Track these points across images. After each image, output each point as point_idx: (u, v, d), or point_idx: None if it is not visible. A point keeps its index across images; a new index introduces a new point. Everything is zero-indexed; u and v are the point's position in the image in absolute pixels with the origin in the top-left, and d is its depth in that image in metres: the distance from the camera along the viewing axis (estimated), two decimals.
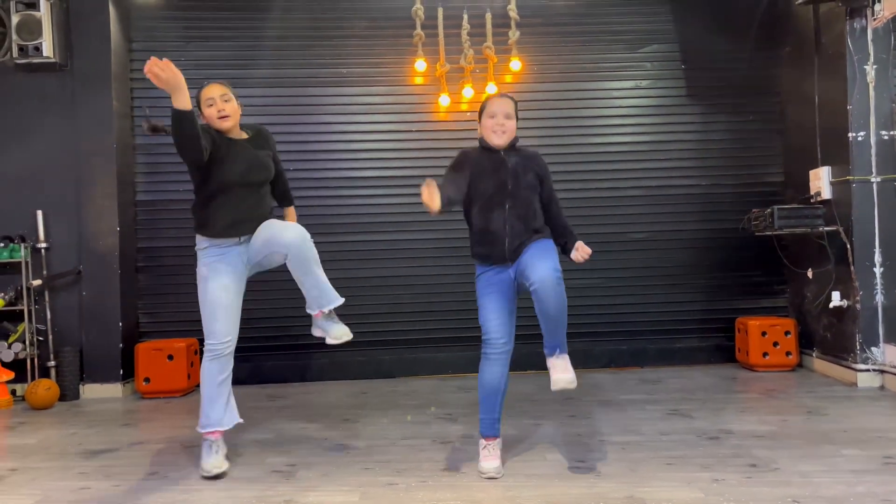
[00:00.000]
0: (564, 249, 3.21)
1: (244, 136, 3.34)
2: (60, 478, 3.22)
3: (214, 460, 3.16)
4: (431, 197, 2.86)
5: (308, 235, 3.20)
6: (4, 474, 3.30)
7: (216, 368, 3.24)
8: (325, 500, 2.82)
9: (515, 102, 3.22)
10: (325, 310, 3.30)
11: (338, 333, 3.32)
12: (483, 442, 3.13)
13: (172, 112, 2.86)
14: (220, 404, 3.25)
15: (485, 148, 3.19)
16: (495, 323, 3.09)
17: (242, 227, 3.25)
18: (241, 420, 3.35)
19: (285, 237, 3.17)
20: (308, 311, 3.37)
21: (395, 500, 2.80)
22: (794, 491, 2.73)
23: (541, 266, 2.91)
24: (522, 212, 3.10)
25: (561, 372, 2.98)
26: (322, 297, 3.28)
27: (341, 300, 3.33)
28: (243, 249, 3.30)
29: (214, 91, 3.22)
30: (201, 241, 3.29)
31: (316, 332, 3.42)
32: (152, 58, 2.75)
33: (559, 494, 2.79)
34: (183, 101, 2.83)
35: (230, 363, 3.29)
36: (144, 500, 2.88)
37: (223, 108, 3.20)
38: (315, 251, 3.24)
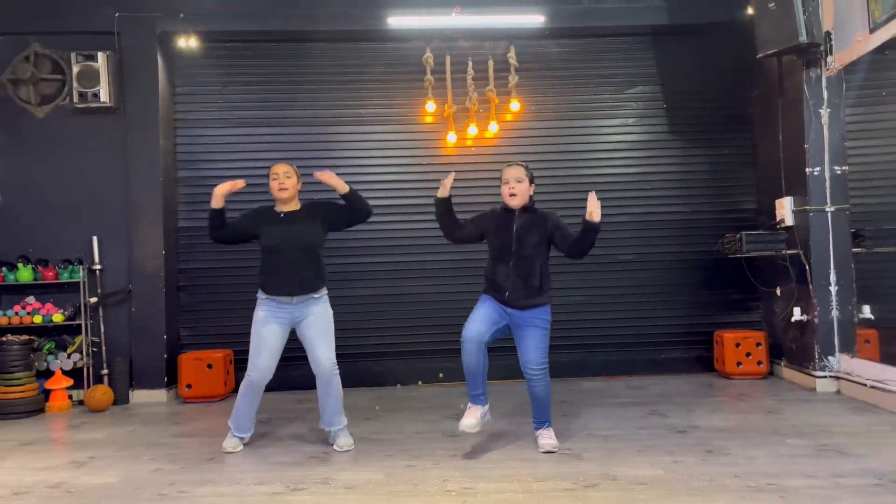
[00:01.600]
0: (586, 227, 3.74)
1: (296, 207, 4.10)
2: (134, 462, 3.86)
3: (234, 442, 4.06)
4: (446, 186, 3.86)
5: (333, 372, 3.98)
6: (86, 461, 3.94)
7: (250, 393, 4.03)
8: (357, 478, 3.45)
9: (527, 168, 3.86)
10: (331, 430, 4.07)
11: (342, 444, 4.02)
12: (469, 404, 3.83)
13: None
14: (249, 418, 4.09)
15: (504, 208, 3.88)
16: (473, 317, 3.77)
17: (289, 286, 3.93)
18: (253, 431, 4.18)
19: (319, 358, 3.96)
20: (320, 424, 4.14)
21: (413, 477, 3.43)
22: (738, 469, 3.36)
23: (532, 356, 3.73)
24: (523, 271, 3.75)
25: (547, 439, 3.84)
26: (331, 418, 4.06)
27: (344, 422, 4.10)
28: (295, 310, 3.99)
29: (280, 169, 4.05)
30: (261, 294, 4.05)
31: (329, 440, 4.14)
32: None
33: (548, 472, 3.42)
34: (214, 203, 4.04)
35: (260, 393, 4.07)
36: (209, 478, 3.52)
37: (284, 182, 4.01)
38: (337, 385, 4.01)
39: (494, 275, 3.81)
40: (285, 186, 4.01)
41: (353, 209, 4.09)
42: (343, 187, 4.02)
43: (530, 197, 3.86)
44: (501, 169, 3.91)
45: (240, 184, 4.08)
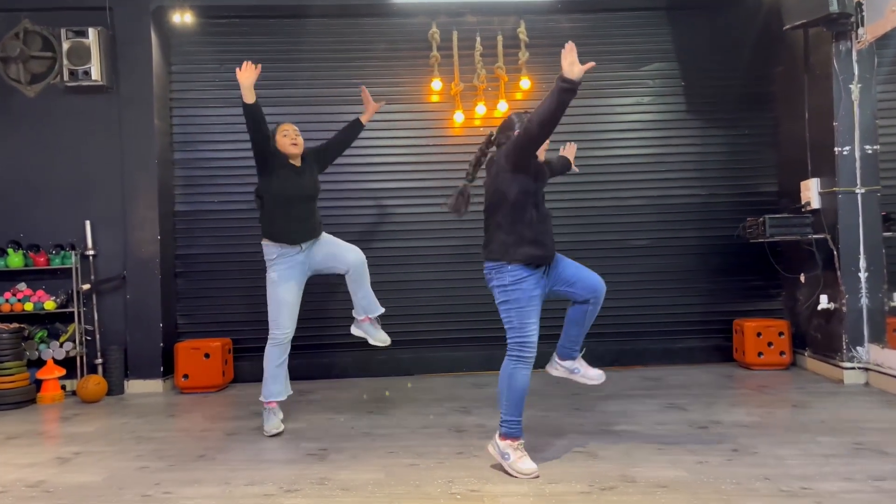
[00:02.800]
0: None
1: (299, 162, 4.25)
2: (121, 459, 3.65)
3: (274, 423, 4.06)
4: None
5: (365, 259, 4.24)
6: (70, 457, 3.73)
7: (277, 353, 4.11)
8: (355, 478, 3.22)
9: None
10: (371, 316, 4.29)
11: (380, 338, 4.31)
12: (512, 443, 3.20)
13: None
14: (279, 381, 4.12)
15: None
16: (536, 328, 3.23)
17: (300, 234, 4.11)
18: (291, 392, 4.25)
19: (349, 258, 4.20)
20: (355, 315, 4.33)
21: (416, 477, 3.20)
22: (768, 471, 3.10)
23: (595, 280, 3.44)
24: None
25: (591, 368, 3.59)
26: (370, 306, 4.28)
27: (382, 309, 4.32)
28: (304, 257, 4.14)
29: (290, 128, 4.23)
30: (270, 252, 4.12)
31: (356, 332, 4.38)
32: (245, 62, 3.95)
33: (561, 473, 3.18)
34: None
35: (287, 349, 4.15)
36: (197, 477, 3.30)
37: (295, 139, 4.19)
38: (367, 271, 4.26)
39: (545, 221, 3.32)
40: (296, 142, 4.18)
41: (351, 136, 4.50)
42: (369, 116, 4.50)
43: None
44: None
45: (258, 67, 4.04)
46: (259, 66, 4.00)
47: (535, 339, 3.23)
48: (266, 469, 3.39)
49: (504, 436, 3.23)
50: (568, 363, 3.61)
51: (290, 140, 4.17)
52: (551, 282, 3.37)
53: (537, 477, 3.12)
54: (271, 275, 4.11)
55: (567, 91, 2.99)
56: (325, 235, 4.27)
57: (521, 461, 3.17)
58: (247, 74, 3.93)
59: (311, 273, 4.24)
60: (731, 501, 2.76)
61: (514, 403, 3.23)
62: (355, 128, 4.53)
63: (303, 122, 5.84)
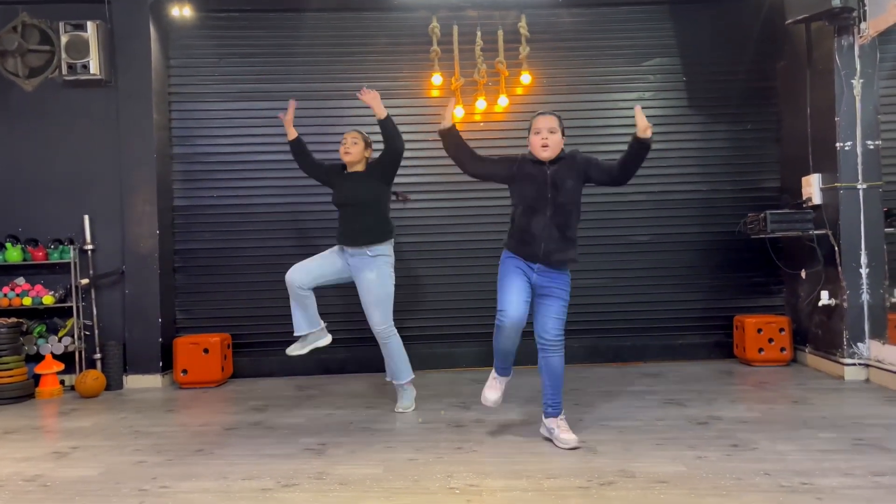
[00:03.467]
0: (639, 144, 3.43)
1: (361, 168, 4.42)
2: (118, 454, 3.63)
3: (295, 348, 4.43)
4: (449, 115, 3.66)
5: (390, 334, 4.35)
6: (68, 451, 3.72)
7: (293, 294, 4.33)
8: (353, 472, 3.20)
9: (559, 118, 3.51)
10: (395, 382, 4.41)
11: (403, 406, 4.40)
12: (494, 374, 3.70)
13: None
14: (298, 317, 4.35)
15: (533, 160, 3.52)
16: (513, 299, 3.46)
17: (344, 238, 4.35)
18: (323, 324, 4.45)
19: (372, 324, 4.34)
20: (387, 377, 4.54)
21: (414, 472, 3.18)
22: (768, 466, 3.08)
23: (551, 326, 3.48)
24: (561, 221, 3.46)
25: (567, 432, 3.49)
26: (391, 371, 4.42)
27: (411, 376, 4.42)
28: (350, 258, 4.33)
29: (347, 137, 4.40)
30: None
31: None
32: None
33: (560, 469, 3.16)
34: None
35: (304, 291, 4.31)
36: (194, 472, 3.28)
37: (350, 149, 4.36)
38: (397, 346, 4.37)
39: (529, 225, 3.46)
40: (350, 151, 4.35)
41: (385, 137, 4.32)
42: (380, 112, 4.27)
43: (562, 149, 3.52)
44: (531, 119, 3.56)
45: (292, 104, 4.58)
46: (294, 102, 4.58)
47: (508, 309, 3.46)
48: (264, 463, 3.37)
49: (494, 370, 3.73)
50: (547, 422, 3.61)
51: (343, 148, 4.37)
52: (536, 286, 3.52)
53: (492, 407, 3.76)
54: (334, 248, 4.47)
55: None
56: (372, 280, 4.26)
57: (488, 389, 3.73)
58: (288, 116, 4.48)
59: (348, 277, 4.39)
60: (730, 496, 2.74)
61: (495, 355, 3.65)
62: (382, 128, 4.33)
63: (302, 118, 5.81)
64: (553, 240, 3.45)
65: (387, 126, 4.28)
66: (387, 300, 4.31)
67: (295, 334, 4.38)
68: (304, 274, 4.30)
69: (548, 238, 3.44)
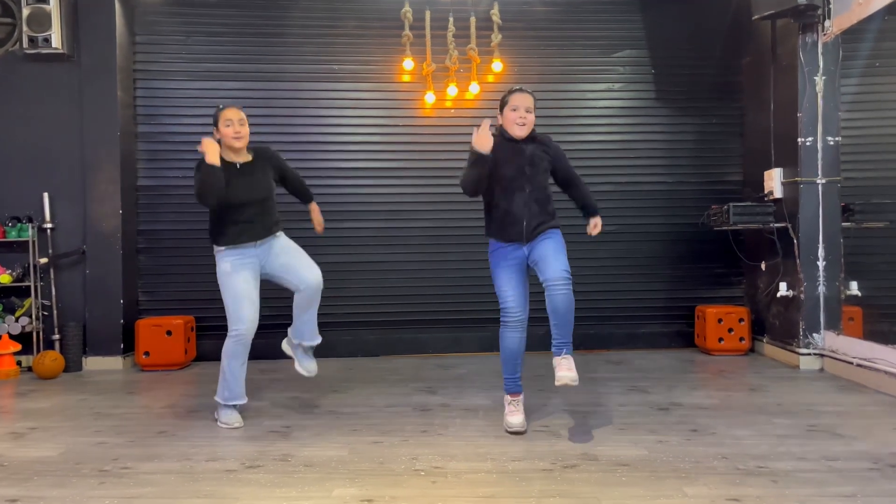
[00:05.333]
0: (585, 213, 3.68)
1: (248, 157, 3.75)
2: (78, 435, 3.57)
3: (236, 416, 3.73)
4: (485, 138, 3.25)
5: (322, 282, 3.80)
6: (25, 432, 3.65)
7: (240, 351, 3.67)
8: (318, 454, 3.20)
9: (534, 97, 3.51)
10: (307, 344, 3.93)
11: (309, 367, 3.96)
12: (508, 398, 3.56)
13: (203, 166, 3.48)
14: (242, 381, 3.73)
15: (505, 137, 3.49)
16: (511, 293, 3.45)
17: (252, 233, 3.69)
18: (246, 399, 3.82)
19: (307, 276, 3.75)
20: (292, 337, 3.97)
21: (379, 454, 3.19)
22: (725, 450, 3.17)
23: (553, 266, 3.33)
24: (540, 196, 3.45)
25: (566, 370, 3.32)
26: (308, 333, 3.91)
27: (320, 339, 3.97)
28: (260, 252, 3.73)
29: (234, 114, 3.64)
30: (220, 247, 3.72)
31: (287, 351, 4.04)
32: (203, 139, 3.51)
33: (524, 451, 3.20)
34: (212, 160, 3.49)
35: (249, 346, 3.71)
36: (156, 452, 3.25)
37: (239, 130, 3.64)
38: (320, 296, 3.84)
39: (510, 205, 3.41)
40: (241, 135, 3.65)
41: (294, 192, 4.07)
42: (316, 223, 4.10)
43: (533, 129, 3.52)
44: (507, 93, 3.51)
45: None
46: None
47: (510, 302, 3.44)
48: (228, 445, 3.36)
49: (505, 391, 3.58)
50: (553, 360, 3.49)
51: (233, 131, 3.62)
52: (531, 257, 3.46)
53: (521, 433, 3.43)
54: (222, 266, 3.67)
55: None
56: (285, 240, 3.82)
57: (510, 415, 3.52)
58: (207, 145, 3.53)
59: (264, 275, 3.79)
60: (689, 478, 2.81)
61: (504, 361, 3.54)
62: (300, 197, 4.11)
63: (269, 99, 5.84)
64: (534, 215, 3.42)
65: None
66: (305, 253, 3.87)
67: (238, 403, 3.74)
68: (254, 321, 3.68)
69: (529, 215, 3.41)
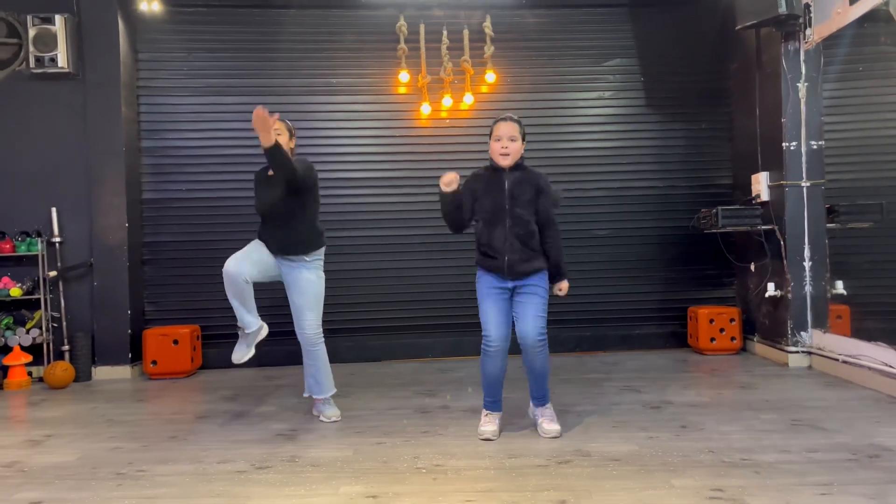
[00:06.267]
0: (551, 276, 3.59)
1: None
2: (93, 441, 3.72)
3: (242, 352, 3.94)
4: (447, 175, 3.43)
5: (319, 341, 3.98)
6: (42, 439, 3.79)
7: (231, 288, 3.80)
8: (324, 455, 3.35)
9: (520, 124, 3.52)
10: (319, 397, 4.05)
11: (328, 415, 4.03)
12: (485, 411, 3.66)
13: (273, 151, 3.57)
14: (247, 312, 3.86)
15: (493, 167, 3.55)
16: (493, 324, 3.48)
17: (269, 245, 3.96)
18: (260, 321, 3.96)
19: (303, 326, 3.93)
20: (305, 394, 4.16)
21: (383, 454, 3.34)
22: (712, 444, 3.32)
23: (532, 328, 3.43)
24: (521, 231, 3.43)
25: (549, 423, 3.57)
26: (314, 386, 4.05)
27: (331, 392, 4.07)
28: (281, 261, 3.97)
29: (279, 124, 3.90)
30: None
31: (314, 411, 4.14)
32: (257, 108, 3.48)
33: (520, 448, 3.35)
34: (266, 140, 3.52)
35: (242, 285, 3.78)
36: (169, 456, 3.39)
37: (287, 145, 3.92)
38: (323, 355, 4.01)
39: (490, 239, 3.46)
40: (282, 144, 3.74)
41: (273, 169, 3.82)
42: (265, 141, 3.50)
43: (521, 156, 3.55)
44: (492, 123, 3.58)
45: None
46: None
47: (492, 332, 3.49)
48: (237, 448, 3.50)
49: (483, 406, 3.69)
50: (535, 410, 3.73)
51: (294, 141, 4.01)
52: (514, 297, 3.53)
53: (492, 440, 3.51)
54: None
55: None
56: (309, 280, 3.91)
57: (484, 425, 3.61)
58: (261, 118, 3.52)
59: (278, 276, 4.01)
60: (676, 471, 2.97)
61: (484, 386, 3.64)
62: (268, 158, 3.69)
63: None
64: (515, 251, 3.43)
65: (273, 156, 3.56)
66: (320, 301, 4.00)
67: (247, 331, 3.89)
68: (250, 265, 3.81)
69: (510, 250, 3.43)
